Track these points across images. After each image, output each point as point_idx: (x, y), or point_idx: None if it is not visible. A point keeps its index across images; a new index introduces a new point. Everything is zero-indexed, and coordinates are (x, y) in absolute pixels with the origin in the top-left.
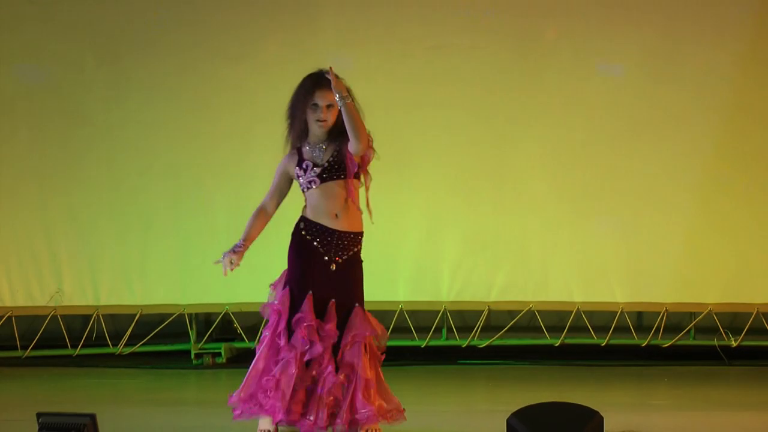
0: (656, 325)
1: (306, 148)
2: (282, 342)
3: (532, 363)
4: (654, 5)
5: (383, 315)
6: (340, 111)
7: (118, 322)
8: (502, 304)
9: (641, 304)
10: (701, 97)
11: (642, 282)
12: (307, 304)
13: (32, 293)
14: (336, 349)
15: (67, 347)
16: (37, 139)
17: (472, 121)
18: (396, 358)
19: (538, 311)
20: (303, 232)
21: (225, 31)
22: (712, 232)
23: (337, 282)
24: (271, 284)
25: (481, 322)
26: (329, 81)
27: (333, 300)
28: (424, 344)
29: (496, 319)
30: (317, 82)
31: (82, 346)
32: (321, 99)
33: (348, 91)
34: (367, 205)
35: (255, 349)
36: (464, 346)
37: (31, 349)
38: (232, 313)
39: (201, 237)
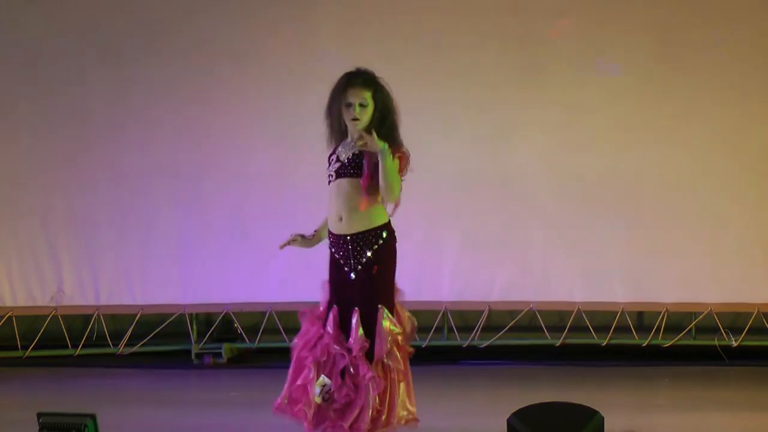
0: (657, 325)
1: (340, 146)
2: (307, 354)
3: (533, 363)
4: (654, 5)
5: None
6: (374, 109)
7: (118, 322)
8: (502, 304)
9: (642, 304)
10: (701, 97)
11: (642, 282)
12: (331, 321)
13: (33, 293)
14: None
15: (68, 347)
16: (37, 140)
17: (472, 121)
18: None
19: (538, 311)
20: (330, 246)
21: (225, 31)
22: (712, 232)
23: (360, 290)
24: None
25: (481, 322)
26: (362, 79)
27: (356, 309)
28: (424, 344)
29: (497, 319)
30: (350, 80)
31: (82, 346)
32: (353, 97)
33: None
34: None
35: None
36: (465, 346)
37: (32, 349)
38: (233, 313)
39: (201, 237)
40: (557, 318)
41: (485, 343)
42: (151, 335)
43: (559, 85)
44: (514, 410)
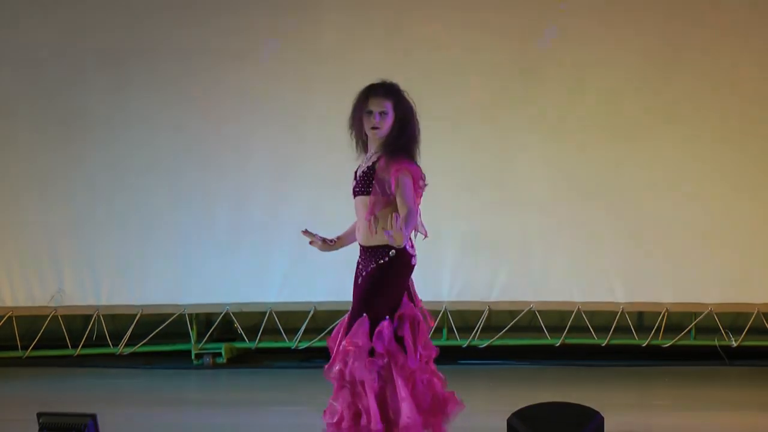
0: (657, 325)
1: (361, 161)
2: None
3: (533, 363)
4: (654, 5)
5: None
6: (394, 120)
7: (118, 322)
8: (502, 304)
9: (642, 304)
10: (700, 97)
11: (642, 282)
12: (341, 325)
13: (33, 293)
14: None
15: (68, 347)
16: (38, 140)
17: (472, 121)
18: None
19: (538, 311)
20: None
21: (226, 32)
22: (712, 232)
23: (358, 292)
24: None
25: (481, 322)
26: (383, 89)
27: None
28: None
29: (497, 319)
30: (371, 89)
31: (82, 346)
32: (374, 106)
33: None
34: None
35: None
36: (465, 346)
37: (32, 349)
38: (233, 313)
39: (201, 237)
40: (557, 318)
41: (485, 343)
42: (151, 335)
43: (559, 85)
44: (514, 410)
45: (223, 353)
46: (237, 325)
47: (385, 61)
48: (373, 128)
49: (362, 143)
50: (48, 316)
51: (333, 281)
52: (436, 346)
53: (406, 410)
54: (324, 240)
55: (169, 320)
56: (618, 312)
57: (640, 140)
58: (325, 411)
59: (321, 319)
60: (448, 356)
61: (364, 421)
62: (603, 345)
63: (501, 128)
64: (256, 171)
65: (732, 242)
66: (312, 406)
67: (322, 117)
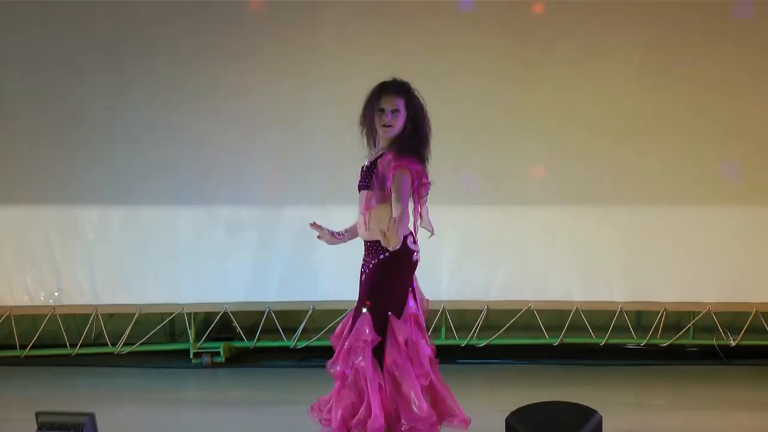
0: (655, 324)
1: (367, 157)
2: None
3: (531, 362)
4: (653, 4)
5: None
6: (406, 119)
7: (117, 321)
8: (501, 304)
9: (640, 304)
10: (700, 96)
11: (641, 281)
12: (346, 320)
13: (32, 293)
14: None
15: (66, 347)
16: (36, 139)
17: (471, 120)
18: None
19: (537, 310)
20: None
21: (225, 31)
22: (711, 231)
23: (361, 288)
24: None
25: (480, 322)
26: (396, 87)
27: (354, 309)
28: None
29: (495, 318)
30: (384, 87)
31: (81, 346)
32: (386, 104)
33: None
34: (415, 228)
35: None
36: (463, 345)
37: (31, 348)
38: (231, 312)
39: (200, 237)
40: (556, 317)
41: (483, 342)
42: (149, 335)
43: (558, 85)
44: (513, 409)
45: (221, 352)
46: (235, 324)
47: (385, 62)
48: (385, 126)
49: (373, 140)
50: (46, 315)
51: (331, 281)
52: (435, 345)
53: (415, 408)
54: (332, 233)
55: (168, 319)
56: (616, 311)
57: (639, 140)
58: (313, 406)
59: (319, 319)
60: (447, 355)
61: (361, 416)
62: (601, 344)
63: (500, 128)
64: (254, 170)
65: (730, 242)
66: (310, 405)
67: (321, 117)
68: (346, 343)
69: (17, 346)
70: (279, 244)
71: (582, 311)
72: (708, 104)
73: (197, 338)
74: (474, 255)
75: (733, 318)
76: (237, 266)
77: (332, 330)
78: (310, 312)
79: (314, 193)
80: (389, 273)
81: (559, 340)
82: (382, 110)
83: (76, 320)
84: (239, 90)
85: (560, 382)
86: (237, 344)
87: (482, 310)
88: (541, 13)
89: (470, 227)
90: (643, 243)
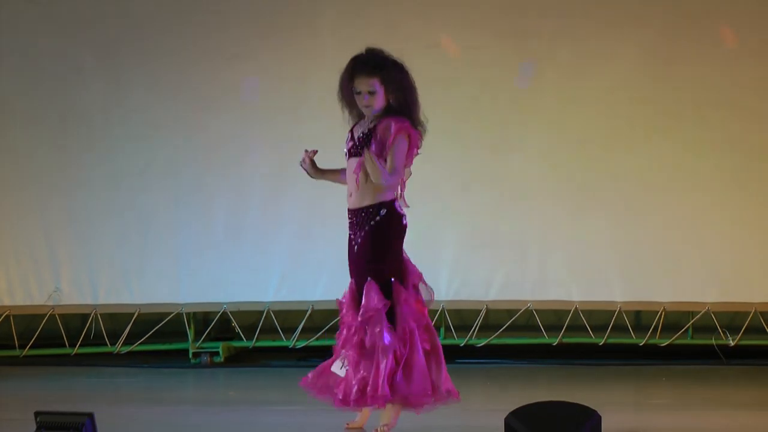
0: (654, 324)
1: (358, 124)
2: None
3: (530, 362)
4: (653, 4)
5: None
6: (386, 95)
7: (116, 321)
8: (500, 303)
9: (639, 303)
10: (700, 96)
11: (640, 281)
12: (347, 294)
13: (30, 292)
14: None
15: (65, 346)
16: (35, 139)
17: (470, 120)
18: None
19: (536, 310)
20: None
21: (224, 31)
22: (710, 231)
23: (357, 260)
24: None
25: (478, 321)
26: (367, 66)
27: (354, 280)
28: None
29: (494, 318)
30: (355, 68)
31: (80, 345)
32: (361, 86)
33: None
34: (401, 196)
35: None
36: (462, 345)
37: (29, 348)
38: (230, 312)
39: (200, 236)
40: (555, 317)
41: (482, 342)
42: (148, 334)
43: (558, 84)
44: (512, 409)
45: (220, 352)
46: (234, 324)
47: None
48: (366, 107)
49: (357, 112)
50: (45, 315)
51: (331, 280)
52: None
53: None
54: (316, 167)
55: (167, 319)
56: (615, 311)
57: (639, 140)
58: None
59: (318, 318)
60: (446, 355)
61: (370, 388)
62: (600, 344)
63: (499, 127)
64: (254, 170)
65: (730, 241)
66: (310, 405)
67: (321, 116)
68: (359, 317)
69: (16, 346)
70: (278, 243)
71: (581, 311)
72: (707, 104)
73: (196, 338)
74: (473, 254)
75: (732, 318)
76: (236, 266)
77: (332, 330)
78: (309, 312)
79: (314, 193)
80: (384, 236)
81: (558, 340)
82: (359, 93)
83: (75, 320)
84: (239, 89)
85: (559, 381)
86: (236, 344)
87: (481, 310)
88: (540, 12)
89: (469, 226)
90: (642, 243)
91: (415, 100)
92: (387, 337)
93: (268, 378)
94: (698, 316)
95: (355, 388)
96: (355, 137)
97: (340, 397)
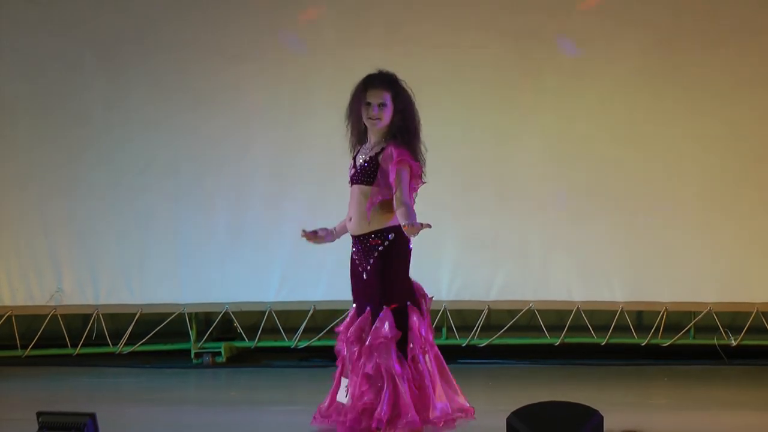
0: (656, 324)
1: (360, 151)
2: None
3: (532, 362)
4: (654, 4)
5: None
6: (393, 112)
7: (117, 321)
8: (501, 304)
9: (641, 304)
10: (700, 96)
11: (642, 281)
12: (350, 318)
13: (32, 293)
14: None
15: (67, 346)
16: (36, 139)
17: (471, 120)
18: None
19: (537, 310)
20: (352, 245)
21: (224, 31)
22: (711, 231)
23: (368, 287)
24: None
25: (480, 322)
26: (382, 80)
27: (368, 307)
28: None
29: (496, 318)
30: (370, 81)
31: (82, 346)
32: (373, 97)
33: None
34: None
35: None
36: (464, 345)
37: (31, 348)
38: (232, 312)
39: (201, 236)
40: (556, 317)
41: (484, 342)
42: (150, 334)
43: (559, 84)
44: (514, 409)
45: (222, 352)
46: (236, 324)
47: (384, 61)
48: (372, 119)
49: (358, 133)
50: (47, 315)
51: (332, 280)
52: (438, 344)
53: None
54: (318, 235)
55: (169, 319)
56: (617, 311)
57: (640, 140)
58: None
59: (320, 319)
60: (448, 355)
61: (387, 414)
62: (602, 344)
63: (500, 127)
64: (255, 170)
65: (731, 241)
66: (311, 405)
67: (321, 116)
68: (367, 341)
69: (18, 346)
70: (280, 243)
71: (583, 311)
72: (706, 105)
73: (198, 338)
74: (475, 255)
75: (733, 318)
76: (238, 266)
77: (333, 330)
78: (311, 312)
79: (314, 193)
80: (392, 262)
81: (560, 340)
82: (369, 104)
83: (76, 320)
84: (238, 89)
85: (561, 382)
86: (238, 344)
87: (483, 310)
88: (542, 13)
89: (471, 227)
90: (644, 243)
91: (416, 130)
92: (395, 366)
93: (270, 378)
94: (700, 317)
95: (360, 414)
96: (357, 165)
97: (348, 425)
